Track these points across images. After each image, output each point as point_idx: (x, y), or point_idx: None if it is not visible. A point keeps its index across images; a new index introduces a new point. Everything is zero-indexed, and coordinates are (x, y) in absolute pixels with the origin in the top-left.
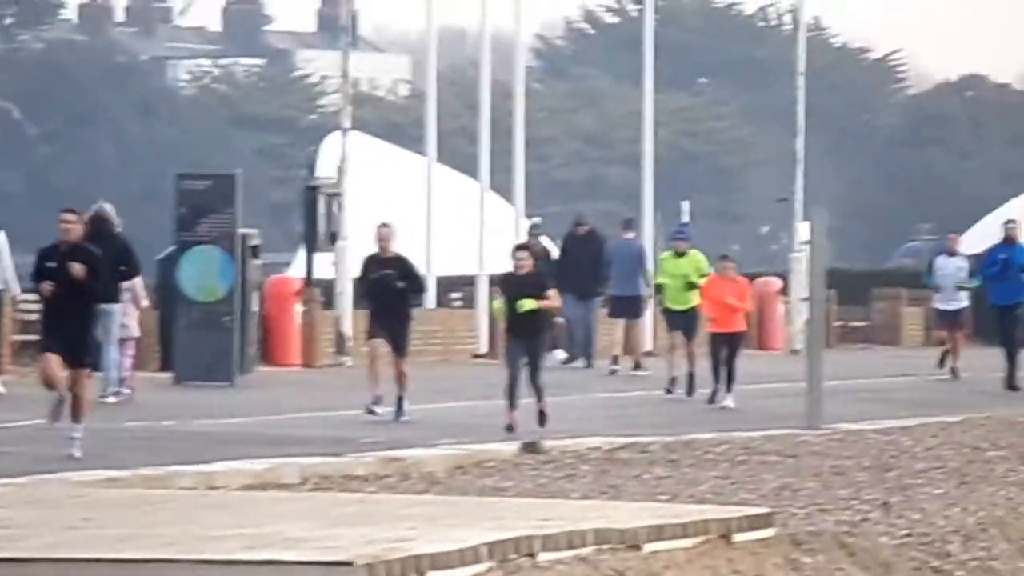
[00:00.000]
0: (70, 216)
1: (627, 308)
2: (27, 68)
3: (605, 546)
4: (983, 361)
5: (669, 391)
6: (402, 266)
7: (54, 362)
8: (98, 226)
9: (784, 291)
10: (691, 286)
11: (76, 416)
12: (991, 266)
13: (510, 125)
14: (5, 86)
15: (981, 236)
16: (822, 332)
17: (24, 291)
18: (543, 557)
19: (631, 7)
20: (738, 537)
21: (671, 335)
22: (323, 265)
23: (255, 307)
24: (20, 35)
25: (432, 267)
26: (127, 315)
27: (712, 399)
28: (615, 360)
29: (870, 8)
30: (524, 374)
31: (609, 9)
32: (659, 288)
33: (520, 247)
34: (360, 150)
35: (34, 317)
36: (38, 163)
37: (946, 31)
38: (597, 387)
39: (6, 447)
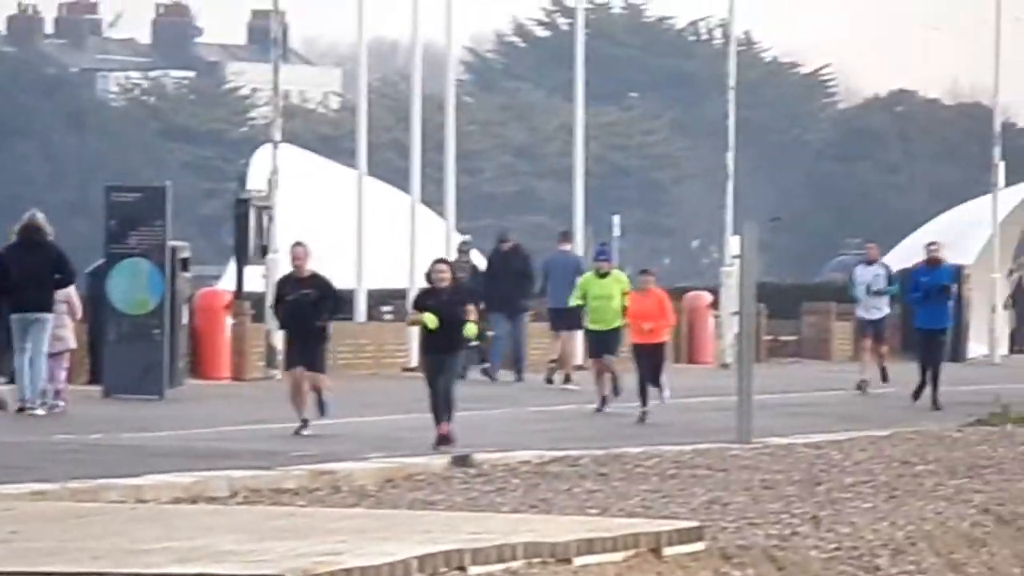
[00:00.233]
0: None
1: (566, 320)
2: None
3: (535, 560)
4: (912, 375)
5: (600, 409)
6: (319, 285)
7: None
8: (31, 235)
9: (715, 305)
10: (615, 306)
11: None
12: (915, 290)
13: (441, 138)
14: None
15: (910, 251)
16: (752, 346)
17: None
18: (473, 571)
19: (562, 21)
20: (668, 551)
21: (598, 360)
22: (253, 278)
23: (185, 320)
24: None
25: (363, 280)
26: (63, 326)
27: (642, 419)
28: (552, 371)
29: (801, 23)
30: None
31: (540, 23)
32: (583, 306)
33: (439, 261)
34: (291, 163)
35: None
36: None
37: (876, 46)
38: (528, 401)
39: None
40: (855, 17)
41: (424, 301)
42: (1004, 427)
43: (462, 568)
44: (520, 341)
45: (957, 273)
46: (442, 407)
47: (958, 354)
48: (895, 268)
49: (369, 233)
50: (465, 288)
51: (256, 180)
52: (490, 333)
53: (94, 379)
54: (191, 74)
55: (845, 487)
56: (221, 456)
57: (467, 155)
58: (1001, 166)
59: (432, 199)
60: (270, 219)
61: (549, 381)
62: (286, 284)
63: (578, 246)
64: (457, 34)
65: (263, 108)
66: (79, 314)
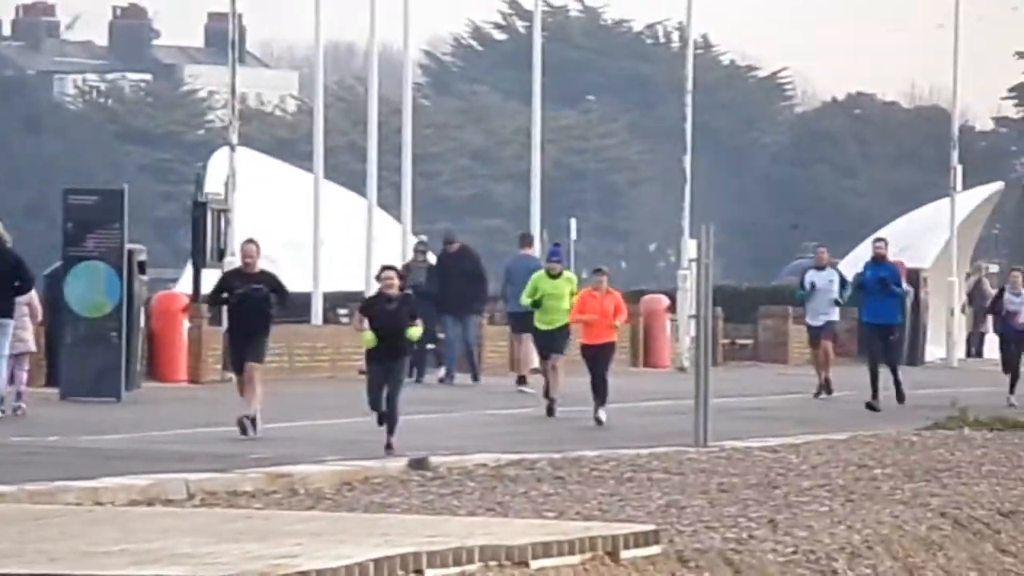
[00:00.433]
0: None
1: (527, 324)
2: None
3: (492, 563)
4: (866, 378)
5: (551, 411)
6: (269, 281)
7: None
8: None
9: (671, 308)
10: (564, 306)
11: None
12: (859, 287)
13: (398, 142)
14: None
15: (867, 255)
16: (709, 350)
17: None
18: (430, 574)
19: (519, 24)
20: (625, 554)
21: (548, 359)
22: (210, 281)
23: (142, 323)
24: None
25: (320, 283)
26: (24, 328)
27: (598, 422)
28: (522, 379)
29: (759, 26)
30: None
31: (497, 26)
32: (536, 304)
33: (387, 267)
34: (248, 166)
35: None
36: None
37: (834, 49)
38: (483, 404)
39: None
40: (813, 20)
41: (371, 307)
42: (961, 431)
43: (419, 571)
44: (471, 343)
45: (906, 272)
46: (387, 416)
47: (915, 357)
48: (850, 273)
49: (326, 236)
50: (412, 301)
51: (213, 183)
52: (441, 335)
53: (51, 381)
54: (148, 76)
55: (802, 491)
56: (178, 459)
57: (424, 158)
58: (959, 169)
59: (389, 202)
60: (227, 222)
61: (521, 392)
62: (234, 278)
63: (536, 249)
64: (414, 37)
65: (220, 111)
66: (40, 316)
